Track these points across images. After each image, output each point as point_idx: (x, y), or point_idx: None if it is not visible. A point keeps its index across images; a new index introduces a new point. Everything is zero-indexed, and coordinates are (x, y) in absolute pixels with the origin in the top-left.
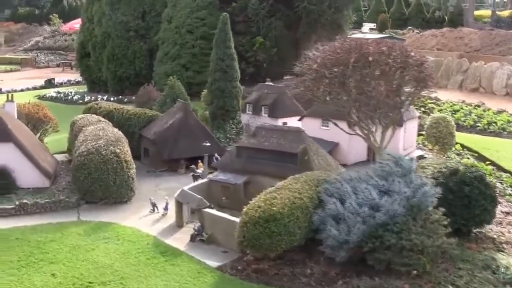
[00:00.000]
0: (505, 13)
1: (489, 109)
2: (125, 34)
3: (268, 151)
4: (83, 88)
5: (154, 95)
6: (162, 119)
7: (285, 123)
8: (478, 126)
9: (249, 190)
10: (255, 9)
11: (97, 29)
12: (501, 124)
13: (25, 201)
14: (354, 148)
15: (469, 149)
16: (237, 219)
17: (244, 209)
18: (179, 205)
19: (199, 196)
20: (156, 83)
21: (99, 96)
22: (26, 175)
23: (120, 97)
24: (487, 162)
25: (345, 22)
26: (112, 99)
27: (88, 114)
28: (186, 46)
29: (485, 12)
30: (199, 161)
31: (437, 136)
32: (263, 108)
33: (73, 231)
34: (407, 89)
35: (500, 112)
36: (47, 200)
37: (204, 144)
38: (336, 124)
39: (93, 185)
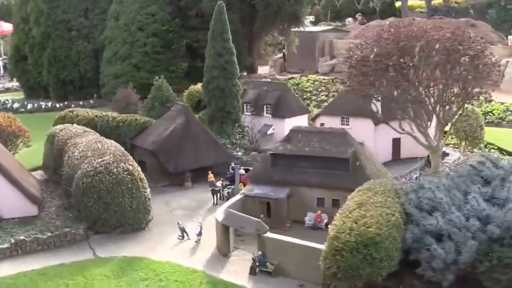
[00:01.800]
0: (436, 2)
1: None
2: (67, 34)
3: (311, 157)
4: (19, 95)
5: (134, 99)
6: (159, 126)
7: (322, 124)
8: None
9: (291, 204)
10: (210, 1)
11: (34, 30)
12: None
13: (21, 237)
14: (380, 147)
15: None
16: (317, 246)
17: (331, 233)
18: (224, 230)
19: (255, 219)
20: (104, 86)
21: (41, 102)
22: (10, 203)
23: (66, 102)
24: None
25: (303, 14)
26: (57, 105)
27: (68, 125)
28: (136, 45)
29: (415, 2)
30: (209, 172)
31: (467, 130)
32: (265, 107)
33: (96, 272)
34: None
35: None
36: (49, 235)
37: (236, 165)
38: (389, 124)
39: (106, 211)
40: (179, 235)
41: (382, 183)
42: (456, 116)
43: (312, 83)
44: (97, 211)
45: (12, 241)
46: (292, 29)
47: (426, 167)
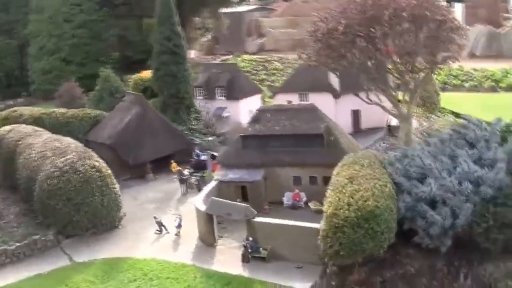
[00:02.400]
0: None
1: None
2: None
3: (283, 136)
4: None
5: (78, 92)
6: (113, 118)
7: (289, 102)
8: None
9: (267, 186)
10: None
11: None
12: None
13: None
14: (341, 120)
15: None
16: (312, 225)
17: (329, 211)
18: (208, 219)
19: (243, 204)
20: (33, 82)
21: None
22: None
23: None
24: None
25: None
26: None
27: (16, 125)
28: (64, 37)
29: None
30: (172, 161)
31: (424, 96)
32: (217, 90)
33: (79, 279)
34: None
35: None
36: (17, 245)
37: (211, 153)
38: (358, 96)
39: (77, 213)
40: (157, 230)
41: (365, 155)
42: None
43: (248, 63)
44: (67, 213)
45: None
46: (220, 11)
47: (388, 136)
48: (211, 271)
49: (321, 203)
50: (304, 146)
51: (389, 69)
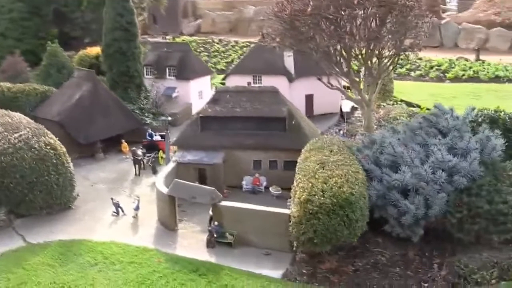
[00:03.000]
0: None
1: None
2: None
3: (244, 118)
4: None
5: (23, 66)
6: (62, 95)
7: (249, 83)
8: None
9: (225, 169)
10: None
11: None
12: None
13: None
14: (295, 105)
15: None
16: (280, 210)
17: (303, 196)
18: (171, 202)
19: (209, 188)
20: None
21: None
22: None
23: None
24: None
25: None
26: None
27: None
28: (1, 11)
29: None
30: (122, 141)
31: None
32: (168, 69)
33: (36, 261)
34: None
35: None
36: None
37: (165, 119)
38: (321, 80)
39: (31, 192)
40: (113, 211)
41: (332, 140)
42: (389, 69)
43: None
44: (20, 192)
45: None
46: None
47: (341, 122)
48: (175, 256)
49: (282, 188)
50: (266, 130)
51: (355, 54)
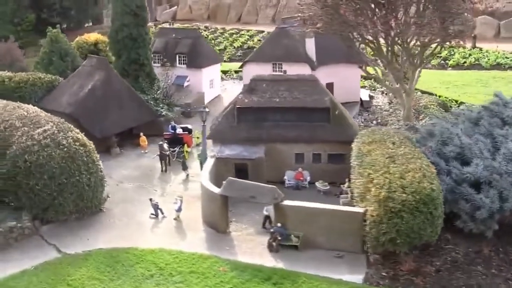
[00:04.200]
0: None
1: None
2: None
3: (284, 109)
4: None
5: (18, 54)
6: (72, 84)
7: (285, 71)
8: None
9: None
10: None
11: None
12: None
13: None
14: None
15: None
16: (354, 209)
17: (382, 194)
18: (223, 203)
19: (270, 186)
20: None
21: None
22: None
23: None
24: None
25: None
26: None
27: None
28: None
29: None
30: (141, 134)
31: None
32: (178, 57)
33: (81, 275)
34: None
35: None
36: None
37: (203, 110)
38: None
39: (61, 194)
40: (152, 214)
41: (389, 132)
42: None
43: None
44: (48, 195)
45: None
46: None
47: (363, 112)
48: (239, 264)
49: (329, 183)
50: (308, 121)
51: (401, 41)
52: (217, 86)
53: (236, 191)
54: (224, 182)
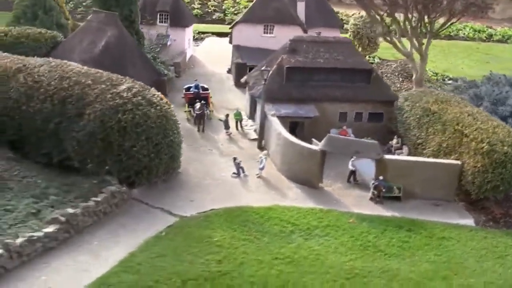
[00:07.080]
0: None
1: None
2: None
3: (329, 70)
4: None
5: None
6: (80, 41)
7: (319, 33)
8: None
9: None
10: None
11: None
12: None
13: (69, 210)
14: None
15: None
16: (451, 161)
17: (485, 147)
18: (321, 158)
19: (373, 141)
20: None
21: None
22: None
23: None
24: None
25: None
26: None
27: None
28: None
29: None
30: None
31: None
32: (159, 15)
33: (222, 236)
34: None
35: None
36: (97, 200)
37: (265, 69)
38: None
39: (157, 156)
40: (234, 172)
41: (438, 92)
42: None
43: None
44: (144, 157)
45: (62, 218)
46: None
47: None
48: (362, 215)
49: (373, 139)
50: (351, 82)
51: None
52: (192, 46)
53: (337, 147)
54: (324, 138)
